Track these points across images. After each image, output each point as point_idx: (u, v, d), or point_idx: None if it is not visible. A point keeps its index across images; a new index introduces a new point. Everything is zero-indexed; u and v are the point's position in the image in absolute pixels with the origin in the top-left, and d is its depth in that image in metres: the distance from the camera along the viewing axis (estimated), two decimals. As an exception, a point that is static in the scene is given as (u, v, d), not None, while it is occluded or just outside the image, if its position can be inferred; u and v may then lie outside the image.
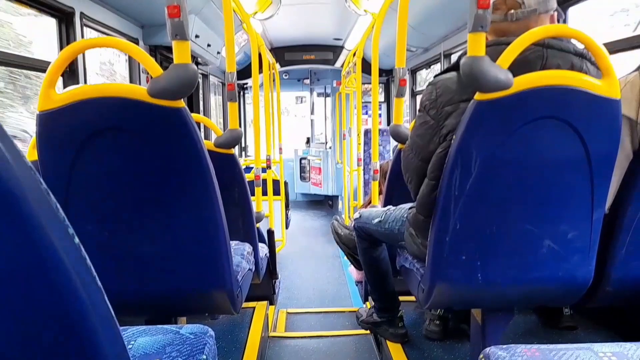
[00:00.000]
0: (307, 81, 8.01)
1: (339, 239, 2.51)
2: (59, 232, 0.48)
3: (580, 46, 1.28)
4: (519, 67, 1.20)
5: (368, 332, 2.57)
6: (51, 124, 1.27)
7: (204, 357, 1.02)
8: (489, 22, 1.15)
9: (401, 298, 2.18)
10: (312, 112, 8.48)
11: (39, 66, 2.34)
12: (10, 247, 0.44)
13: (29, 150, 1.72)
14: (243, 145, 7.81)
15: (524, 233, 1.30)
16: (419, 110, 1.43)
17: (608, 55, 1.21)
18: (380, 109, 6.96)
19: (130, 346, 1.04)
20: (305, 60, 6.96)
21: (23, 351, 0.48)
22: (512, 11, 1.32)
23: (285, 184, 4.90)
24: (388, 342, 2.15)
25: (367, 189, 5.20)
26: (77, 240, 0.50)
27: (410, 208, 1.56)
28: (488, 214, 1.29)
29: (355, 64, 4.29)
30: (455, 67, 1.37)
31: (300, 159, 8.26)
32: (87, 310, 0.50)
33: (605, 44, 1.26)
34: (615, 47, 2.07)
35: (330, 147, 8.07)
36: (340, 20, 5.38)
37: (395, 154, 2.26)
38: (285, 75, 7.43)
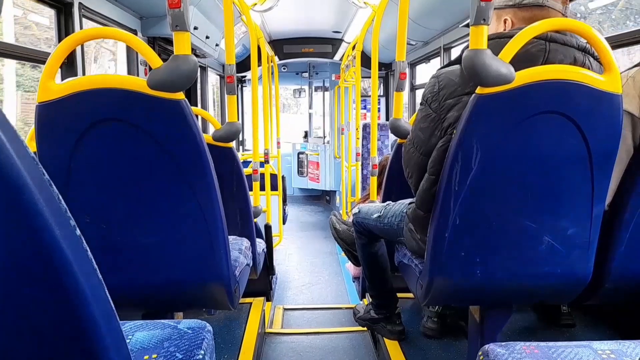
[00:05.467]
0: (306, 74, 7.97)
1: (337, 235, 2.50)
2: (62, 224, 0.48)
3: (583, 41, 1.27)
4: (521, 61, 1.18)
5: (365, 329, 2.57)
6: (50, 115, 1.26)
7: (202, 352, 1.01)
8: (491, 14, 1.14)
9: (399, 295, 2.17)
10: (310, 106, 8.44)
11: (39, 57, 2.32)
12: (14, 238, 0.44)
13: (26, 141, 1.70)
14: (240, 139, 7.77)
15: (523, 229, 1.29)
16: (421, 104, 1.42)
17: (610, 49, 1.20)
18: (379, 103, 6.94)
19: (128, 341, 1.03)
20: (304, 53, 6.93)
21: (23, 341, 0.49)
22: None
23: (283, 178, 4.89)
24: (385, 339, 2.15)
25: (366, 184, 5.19)
26: (78, 232, 0.51)
27: (410, 203, 1.55)
28: (488, 210, 1.28)
29: (354, 57, 4.27)
30: (458, 60, 1.36)
31: (298, 154, 8.23)
32: (88, 302, 0.51)
33: (608, 38, 1.25)
34: (618, 40, 2.05)
35: (328, 142, 8.05)
36: (339, 13, 5.35)
37: (394, 149, 2.24)
38: (284, 68, 7.40)
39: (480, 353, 1.09)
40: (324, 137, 8.35)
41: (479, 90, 1.18)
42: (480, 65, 1.14)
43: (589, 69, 1.24)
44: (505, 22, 1.37)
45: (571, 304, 2.12)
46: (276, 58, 6.00)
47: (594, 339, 1.13)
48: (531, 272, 1.34)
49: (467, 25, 1.19)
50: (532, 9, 1.32)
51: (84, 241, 0.52)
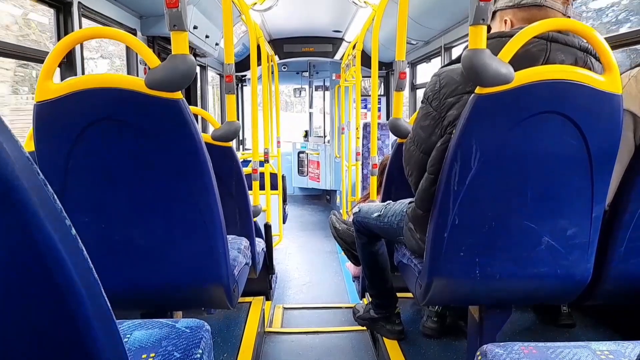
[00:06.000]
0: (306, 74, 7.97)
1: (336, 234, 2.50)
2: (56, 223, 0.48)
3: (585, 41, 1.26)
4: (521, 60, 1.18)
5: (365, 328, 2.57)
6: (48, 114, 1.26)
7: (200, 351, 1.01)
8: (490, 15, 1.14)
9: (399, 294, 2.17)
10: (310, 106, 8.44)
11: (37, 56, 2.32)
12: (7, 238, 0.44)
13: (26, 141, 1.70)
14: (241, 138, 7.77)
15: (522, 229, 1.29)
16: (422, 102, 1.42)
17: (610, 50, 1.19)
18: (379, 102, 6.93)
19: (126, 340, 1.03)
20: (304, 52, 6.92)
21: (18, 341, 0.49)
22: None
23: (283, 178, 4.89)
24: (385, 338, 2.15)
25: (366, 183, 5.19)
26: (74, 231, 0.51)
27: (410, 202, 1.55)
28: (487, 210, 1.28)
29: (354, 57, 4.26)
30: (459, 59, 1.36)
31: (298, 153, 8.23)
32: (84, 302, 0.50)
33: (608, 38, 1.25)
34: (618, 40, 2.05)
35: (328, 141, 8.05)
36: (340, 12, 5.35)
37: (394, 149, 2.24)
38: (284, 68, 7.39)
39: (478, 353, 1.09)
40: (324, 136, 8.35)
41: (478, 90, 1.17)
42: (479, 65, 1.13)
43: (590, 69, 1.23)
44: (505, 23, 1.37)
45: (571, 305, 2.12)
46: (276, 57, 6.00)
47: (594, 339, 1.13)
48: (530, 273, 1.34)
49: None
50: (531, 9, 1.32)
51: (80, 241, 0.52)
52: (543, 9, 1.31)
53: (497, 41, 1.25)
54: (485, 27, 1.14)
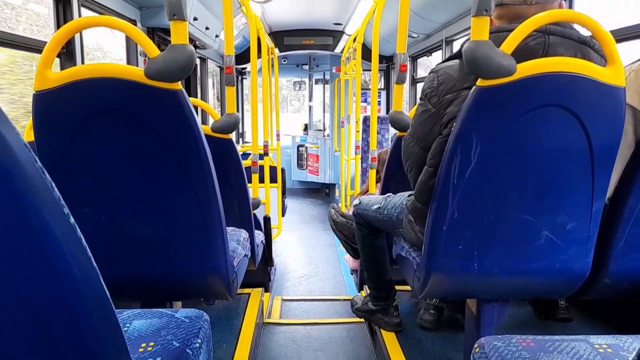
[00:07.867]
0: (306, 67, 7.94)
1: (335, 227, 2.51)
2: (54, 211, 0.47)
3: (583, 33, 1.25)
4: (520, 54, 1.17)
5: (362, 320, 2.58)
6: (47, 104, 1.25)
7: (199, 341, 1.01)
8: (493, 5, 1.13)
9: (397, 287, 2.18)
10: (310, 99, 8.42)
11: (37, 46, 2.31)
12: (4, 225, 0.43)
13: (25, 131, 1.69)
14: (240, 131, 7.76)
15: (522, 223, 1.29)
16: (420, 99, 1.41)
17: (614, 41, 1.18)
18: (379, 96, 6.92)
19: (125, 329, 1.04)
20: (305, 45, 6.89)
21: (16, 330, 0.48)
22: None
23: (282, 171, 4.89)
24: (382, 330, 2.16)
25: (365, 177, 5.19)
26: (72, 220, 0.50)
27: (410, 195, 1.55)
28: (486, 203, 1.28)
29: (355, 50, 4.25)
30: (457, 55, 1.35)
31: (298, 146, 8.23)
32: (82, 290, 0.50)
33: (611, 32, 1.24)
34: (621, 35, 2.04)
35: (328, 135, 8.04)
36: (341, 5, 5.32)
37: (394, 142, 2.24)
38: (284, 61, 7.37)
39: (476, 345, 1.09)
40: (324, 130, 8.34)
41: (479, 82, 1.16)
42: (482, 56, 1.13)
43: (589, 62, 1.23)
44: None
45: (569, 299, 2.13)
46: (276, 50, 5.97)
47: (591, 333, 1.13)
48: (529, 267, 1.34)
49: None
50: (495, 9, 1.33)
51: (78, 230, 0.51)
52: (505, 7, 1.32)
53: (495, 36, 1.24)
54: (488, 19, 1.13)
